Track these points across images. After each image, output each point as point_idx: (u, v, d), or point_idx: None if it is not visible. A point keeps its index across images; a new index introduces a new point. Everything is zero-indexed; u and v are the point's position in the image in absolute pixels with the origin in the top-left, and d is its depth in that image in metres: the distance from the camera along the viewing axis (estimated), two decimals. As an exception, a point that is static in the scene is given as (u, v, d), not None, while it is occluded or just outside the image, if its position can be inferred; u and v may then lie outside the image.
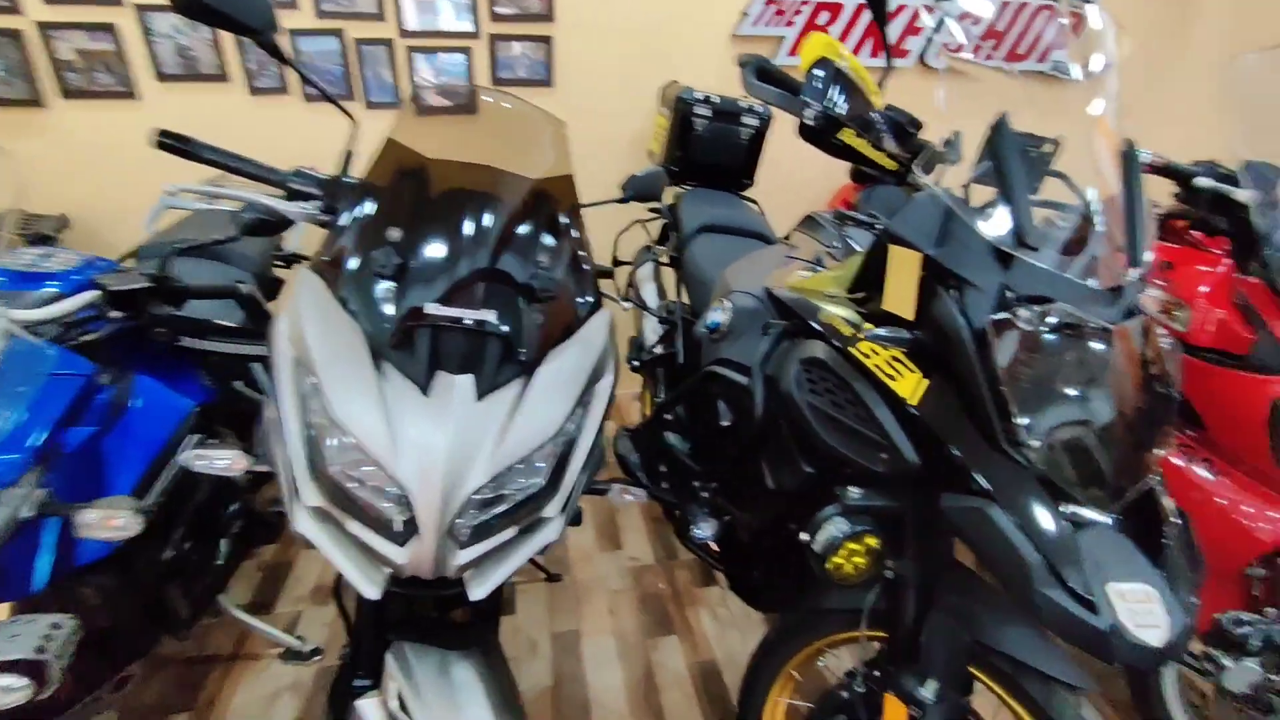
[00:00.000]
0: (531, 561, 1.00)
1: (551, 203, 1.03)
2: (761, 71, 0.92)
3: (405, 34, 2.39)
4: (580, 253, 1.05)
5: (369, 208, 0.96)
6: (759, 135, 2.38)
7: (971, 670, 1.06)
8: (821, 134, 0.84)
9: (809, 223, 1.45)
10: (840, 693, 1.20)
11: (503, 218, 0.99)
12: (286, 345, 0.89)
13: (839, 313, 1.06)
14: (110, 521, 1.04)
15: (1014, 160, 0.86)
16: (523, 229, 0.99)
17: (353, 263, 0.93)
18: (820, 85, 0.83)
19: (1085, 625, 0.76)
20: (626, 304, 1.42)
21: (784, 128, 2.70)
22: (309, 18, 2.30)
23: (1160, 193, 1.30)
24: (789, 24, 2.64)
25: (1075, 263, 0.89)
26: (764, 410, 1.08)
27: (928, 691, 0.97)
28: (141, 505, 1.06)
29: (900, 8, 2.65)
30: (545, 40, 2.51)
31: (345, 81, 2.41)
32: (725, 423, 1.22)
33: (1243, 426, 1.24)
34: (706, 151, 2.37)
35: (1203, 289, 1.33)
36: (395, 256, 0.90)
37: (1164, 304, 1.38)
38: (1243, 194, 1.27)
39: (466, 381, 0.91)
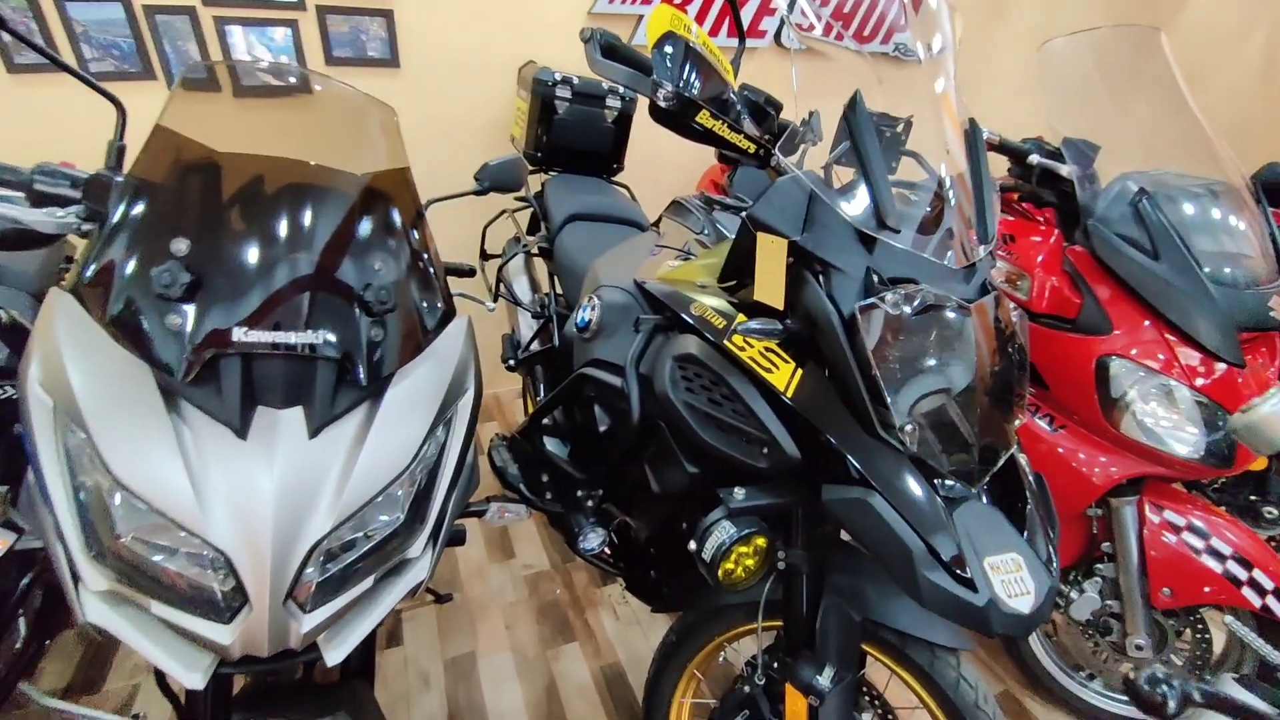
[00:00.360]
0: None
1: (385, 201, 0.89)
2: (608, 48, 0.85)
3: (209, 1, 2.06)
4: (424, 255, 0.92)
5: (143, 212, 0.79)
6: (625, 117, 2.31)
7: (864, 647, 1.08)
8: (676, 116, 0.78)
9: (676, 208, 1.40)
10: (742, 687, 1.18)
11: (325, 220, 0.85)
12: (40, 392, 0.71)
13: (711, 304, 1.01)
14: None
15: (870, 140, 0.85)
16: (352, 232, 0.86)
17: (126, 282, 0.76)
18: (671, 63, 0.76)
19: (966, 604, 0.77)
20: (492, 305, 1.31)
21: (649, 109, 2.67)
22: (81, -21, 1.93)
23: (995, 168, 1.37)
24: (647, 1, 2.58)
25: (931, 241, 0.90)
26: (640, 412, 1.03)
27: (825, 679, 0.97)
28: None
29: (753, -12, 2.68)
30: (385, 15, 2.28)
31: (140, 57, 2.05)
32: (603, 427, 1.16)
33: (1075, 384, 1.35)
34: (570, 135, 2.27)
35: (1039, 259, 1.44)
36: (184, 272, 0.74)
37: (1008, 275, 1.48)
38: (1065, 169, 1.37)
39: (294, 416, 0.77)
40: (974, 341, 0.86)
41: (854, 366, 0.83)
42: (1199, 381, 1.28)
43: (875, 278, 0.86)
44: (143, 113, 0.89)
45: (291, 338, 0.77)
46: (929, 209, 0.95)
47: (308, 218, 0.85)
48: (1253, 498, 1.86)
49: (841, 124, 0.90)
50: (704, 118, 0.79)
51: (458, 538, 1.20)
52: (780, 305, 0.88)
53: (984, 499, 0.87)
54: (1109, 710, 1.62)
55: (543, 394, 2.07)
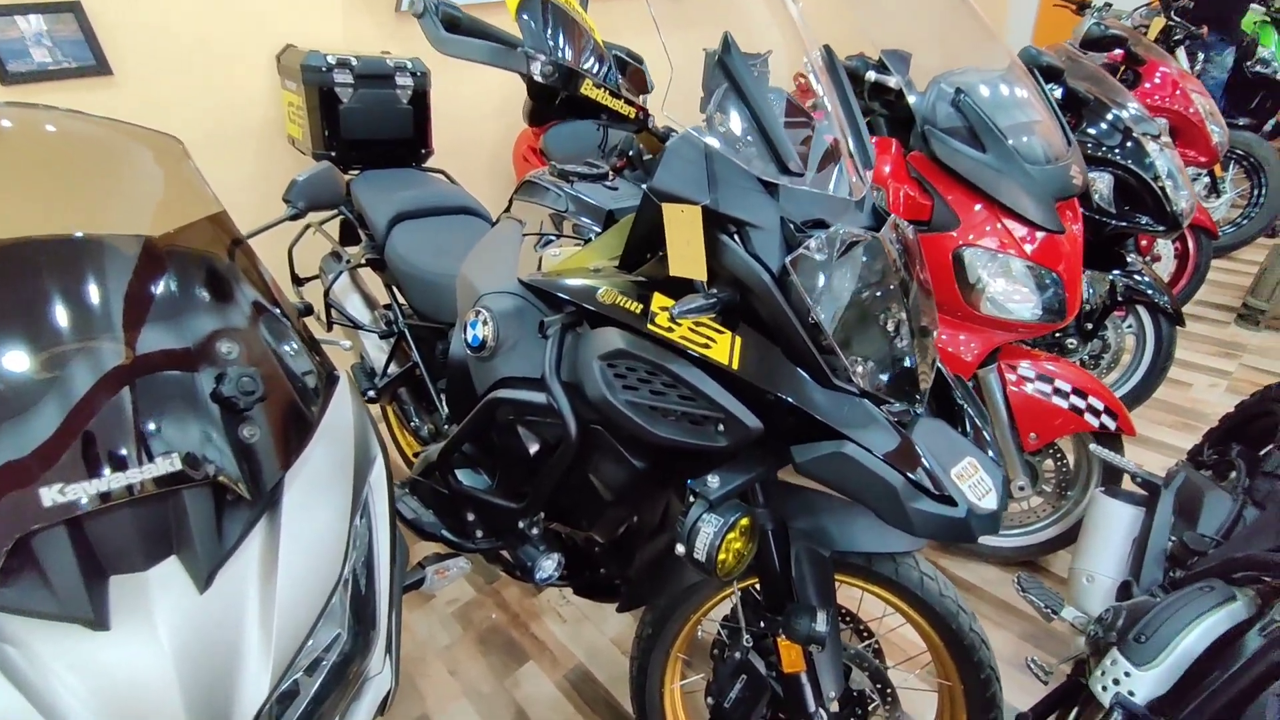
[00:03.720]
0: None
1: (206, 262, 0.68)
2: (450, 21, 0.69)
3: None
4: (279, 314, 0.73)
5: None
6: (420, 95, 2.05)
7: (836, 577, 1.11)
8: (555, 91, 0.66)
9: (529, 189, 1.27)
10: (732, 654, 1.17)
11: (130, 301, 0.64)
12: None
13: (619, 288, 0.93)
14: None
15: (754, 84, 0.79)
16: (175, 312, 0.65)
17: None
18: (538, 28, 0.64)
19: (950, 520, 0.79)
20: (348, 345, 1.11)
21: (446, 82, 2.38)
22: None
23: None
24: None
25: (829, 177, 0.88)
26: (577, 423, 0.93)
27: (820, 625, 0.98)
28: None
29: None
30: (69, 8, 1.78)
31: None
32: (534, 448, 1.04)
33: (938, 278, 1.47)
34: (363, 126, 1.98)
35: (887, 170, 1.52)
36: None
37: (868, 190, 1.55)
38: (893, 80, 1.44)
39: (169, 573, 0.58)
40: (890, 265, 0.86)
41: (795, 322, 0.80)
42: (1029, 249, 1.44)
43: (791, 226, 0.83)
44: None
45: (127, 477, 0.57)
46: (809, 143, 0.93)
47: (94, 297, 0.63)
48: (1055, 334, 2.20)
49: (715, 69, 0.84)
50: (587, 87, 0.68)
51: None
52: (703, 276, 0.82)
53: (929, 414, 0.91)
54: (1004, 546, 1.87)
55: (415, 419, 1.86)
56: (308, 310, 1.16)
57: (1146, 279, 2.08)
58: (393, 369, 1.88)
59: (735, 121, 0.84)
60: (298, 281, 2.06)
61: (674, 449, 0.89)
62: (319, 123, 1.93)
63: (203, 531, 0.60)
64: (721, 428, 0.85)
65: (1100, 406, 1.58)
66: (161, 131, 0.72)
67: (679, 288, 0.87)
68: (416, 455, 1.49)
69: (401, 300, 1.83)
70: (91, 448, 0.56)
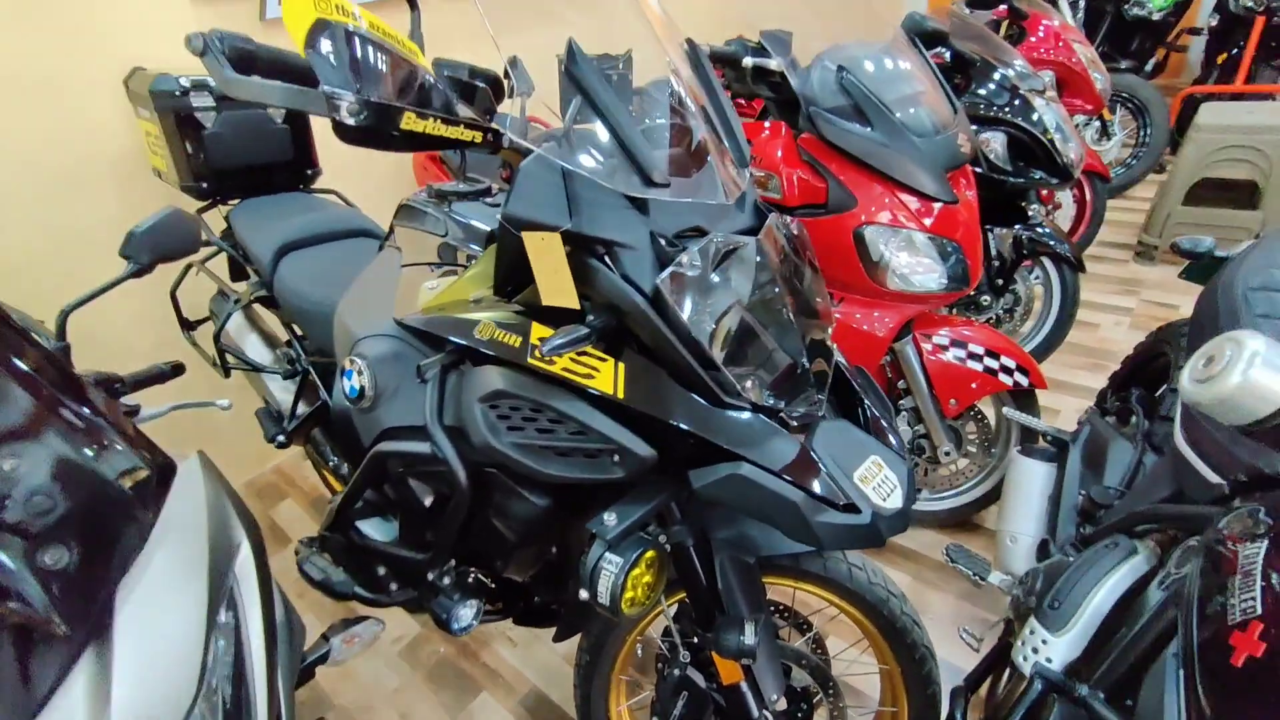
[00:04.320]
0: None
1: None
2: (241, 56, 0.61)
3: None
4: (77, 411, 0.64)
5: None
6: (299, 111, 1.91)
7: (762, 580, 1.09)
8: (373, 130, 0.59)
9: (406, 213, 1.19)
10: (671, 670, 1.15)
11: None
12: None
13: (497, 320, 0.87)
14: None
15: (606, 93, 0.74)
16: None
17: None
18: (339, 63, 0.57)
19: (857, 528, 0.77)
20: (226, 404, 1.01)
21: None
22: None
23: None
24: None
25: (699, 181, 0.84)
26: (466, 470, 0.87)
27: (749, 638, 0.96)
28: None
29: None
30: None
31: None
32: (428, 500, 0.98)
33: (841, 260, 1.46)
34: (234, 151, 1.83)
35: (778, 155, 1.49)
36: None
37: (759, 181, 1.52)
38: (774, 63, 1.41)
39: None
40: (774, 267, 0.83)
41: (675, 342, 0.76)
42: (927, 222, 1.45)
43: (662, 241, 0.78)
44: None
45: None
46: (680, 147, 0.88)
47: None
48: (970, 294, 2.25)
49: (565, 79, 0.78)
50: (409, 121, 0.61)
51: (303, 680, 0.97)
52: (575, 304, 0.77)
53: (830, 415, 0.89)
54: (936, 509, 1.91)
55: (333, 459, 1.76)
56: (176, 371, 1.06)
57: (1047, 230, 2.14)
58: (301, 409, 1.76)
59: (595, 135, 0.79)
60: (187, 326, 1.91)
61: (572, 487, 0.84)
62: (182, 152, 1.77)
63: (7, 682, 0.52)
64: (616, 459, 0.81)
65: (1012, 365, 1.61)
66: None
67: (559, 315, 0.82)
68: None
69: (302, 334, 1.71)
70: None
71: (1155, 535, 1.02)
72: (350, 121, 0.57)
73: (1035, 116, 1.97)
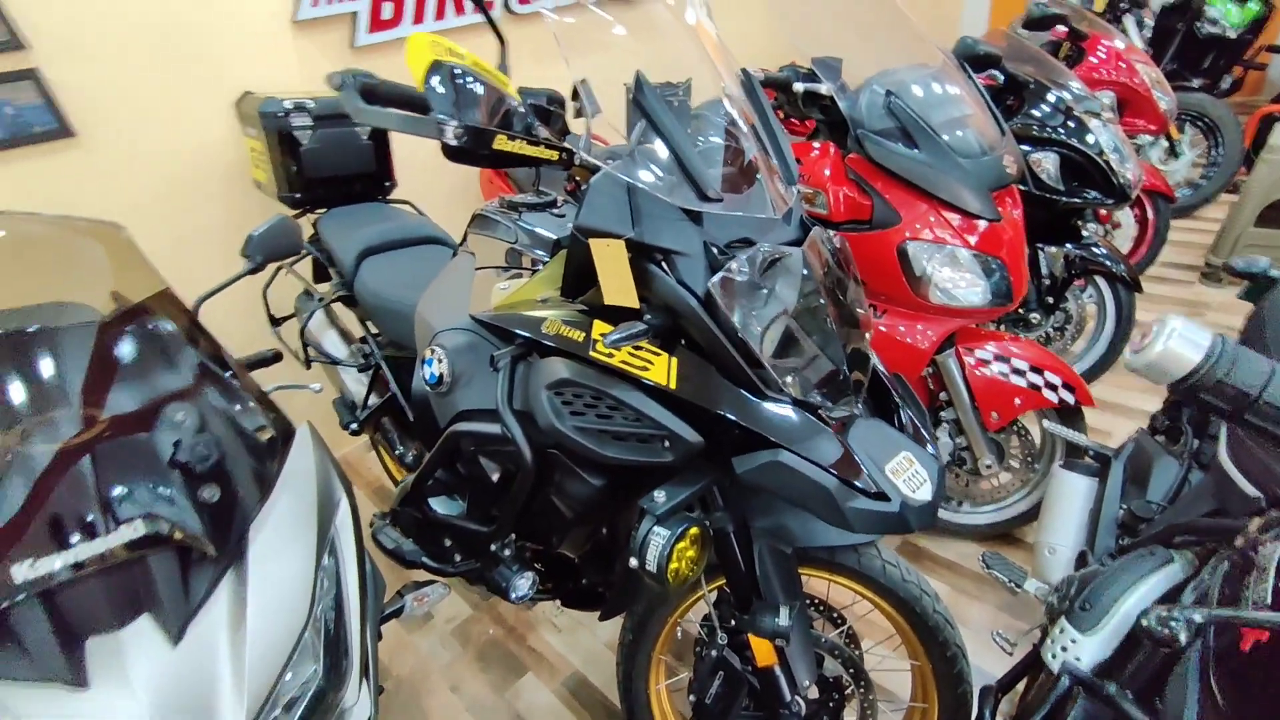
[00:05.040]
0: None
1: (156, 337, 0.73)
2: (368, 91, 0.74)
3: None
4: (228, 377, 0.78)
5: None
6: (381, 131, 2.10)
7: (800, 571, 1.15)
8: (472, 151, 0.71)
9: (480, 222, 1.32)
10: (709, 652, 1.22)
11: (85, 376, 0.68)
12: None
13: (563, 318, 0.98)
14: None
15: (669, 119, 0.84)
16: (127, 385, 0.69)
17: None
18: (447, 95, 0.69)
19: (886, 515, 0.84)
20: (318, 387, 1.15)
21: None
22: None
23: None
24: (354, -2, 2.32)
25: (749, 197, 0.93)
26: (532, 451, 0.98)
27: (784, 620, 1.03)
28: None
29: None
30: (26, 76, 1.82)
31: None
32: (495, 476, 1.09)
33: (885, 274, 1.52)
34: (326, 165, 2.03)
35: (826, 173, 1.57)
36: None
37: (807, 197, 1.60)
38: (824, 88, 1.49)
39: (143, 630, 0.63)
40: (816, 277, 0.91)
41: (724, 341, 0.85)
42: (972, 240, 1.49)
43: (714, 250, 0.87)
44: None
45: (95, 546, 0.61)
46: (732, 165, 0.97)
47: (52, 382, 0.67)
48: (1019, 310, 2.25)
49: (631, 106, 0.88)
50: (500, 142, 0.73)
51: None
52: (635, 304, 0.87)
53: (866, 413, 0.96)
54: (979, 522, 1.92)
55: (399, 446, 1.91)
56: (276, 358, 1.20)
57: (1102, 250, 2.13)
58: (373, 400, 1.92)
59: (656, 154, 0.89)
60: (274, 322, 2.10)
61: (627, 468, 0.93)
62: (281, 166, 1.97)
63: (170, 590, 0.64)
64: (667, 444, 0.90)
65: (1058, 382, 1.63)
66: (104, 221, 0.76)
67: (618, 314, 0.92)
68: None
69: (376, 332, 1.87)
70: (59, 519, 0.61)
71: (1195, 549, 1.04)
72: (454, 143, 0.69)
73: (1090, 138, 1.98)
